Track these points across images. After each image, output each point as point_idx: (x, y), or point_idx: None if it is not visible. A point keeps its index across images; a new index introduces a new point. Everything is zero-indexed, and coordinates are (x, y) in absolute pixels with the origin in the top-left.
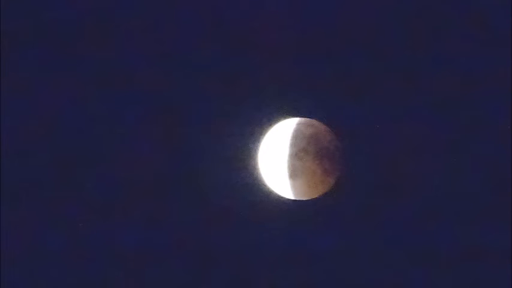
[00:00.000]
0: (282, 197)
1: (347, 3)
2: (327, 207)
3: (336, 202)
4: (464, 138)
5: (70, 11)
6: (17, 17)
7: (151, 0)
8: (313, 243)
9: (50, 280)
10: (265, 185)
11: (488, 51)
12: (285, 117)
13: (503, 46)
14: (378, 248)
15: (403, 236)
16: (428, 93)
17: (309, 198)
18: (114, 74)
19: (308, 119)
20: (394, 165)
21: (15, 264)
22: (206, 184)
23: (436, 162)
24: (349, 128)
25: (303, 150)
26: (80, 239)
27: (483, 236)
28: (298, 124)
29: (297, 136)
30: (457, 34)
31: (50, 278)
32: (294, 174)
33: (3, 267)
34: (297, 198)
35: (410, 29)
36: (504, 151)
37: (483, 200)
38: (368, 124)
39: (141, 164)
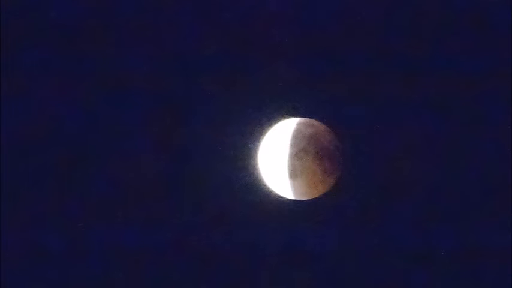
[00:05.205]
0: (282, 197)
1: (347, 3)
2: (327, 207)
3: (336, 202)
4: (464, 138)
5: (70, 11)
6: (17, 17)
7: (151, 1)
8: (313, 243)
9: (50, 280)
10: (265, 185)
11: (488, 51)
12: (285, 117)
13: (503, 46)
14: (378, 248)
15: (403, 236)
16: (428, 93)
17: (309, 198)
18: (115, 74)
19: (308, 119)
20: (394, 165)
21: (15, 264)
22: (206, 184)
23: (436, 162)
24: (349, 128)
25: (303, 150)
26: (80, 239)
27: (483, 236)
28: (298, 124)
29: (297, 136)
30: (457, 34)
31: (50, 278)
32: (294, 174)
33: (3, 267)
34: (297, 198)
35: (410, 29)
36: (504, 151)
37: (483, 200)
38: (368, 124)
39: (141, 164)
